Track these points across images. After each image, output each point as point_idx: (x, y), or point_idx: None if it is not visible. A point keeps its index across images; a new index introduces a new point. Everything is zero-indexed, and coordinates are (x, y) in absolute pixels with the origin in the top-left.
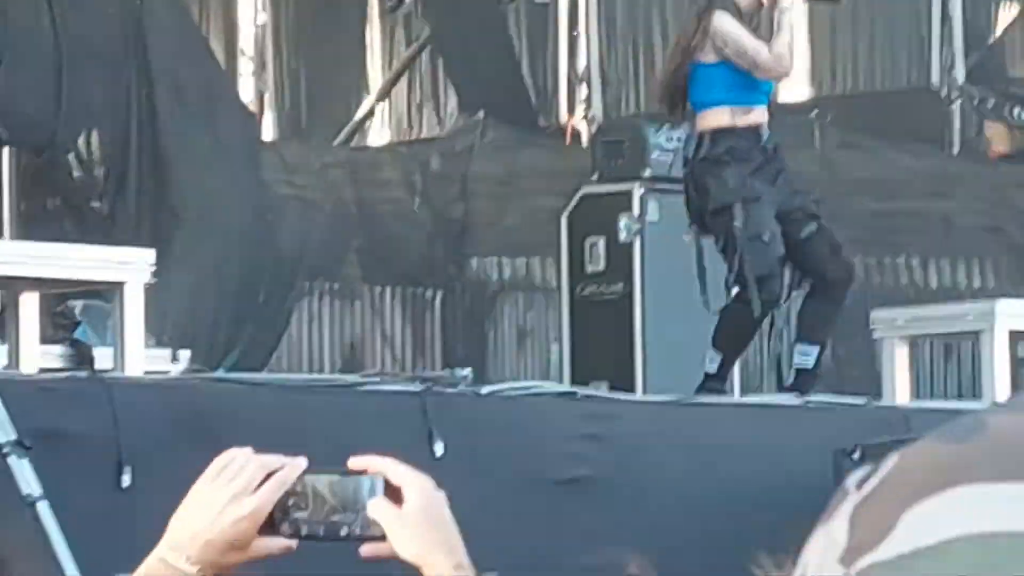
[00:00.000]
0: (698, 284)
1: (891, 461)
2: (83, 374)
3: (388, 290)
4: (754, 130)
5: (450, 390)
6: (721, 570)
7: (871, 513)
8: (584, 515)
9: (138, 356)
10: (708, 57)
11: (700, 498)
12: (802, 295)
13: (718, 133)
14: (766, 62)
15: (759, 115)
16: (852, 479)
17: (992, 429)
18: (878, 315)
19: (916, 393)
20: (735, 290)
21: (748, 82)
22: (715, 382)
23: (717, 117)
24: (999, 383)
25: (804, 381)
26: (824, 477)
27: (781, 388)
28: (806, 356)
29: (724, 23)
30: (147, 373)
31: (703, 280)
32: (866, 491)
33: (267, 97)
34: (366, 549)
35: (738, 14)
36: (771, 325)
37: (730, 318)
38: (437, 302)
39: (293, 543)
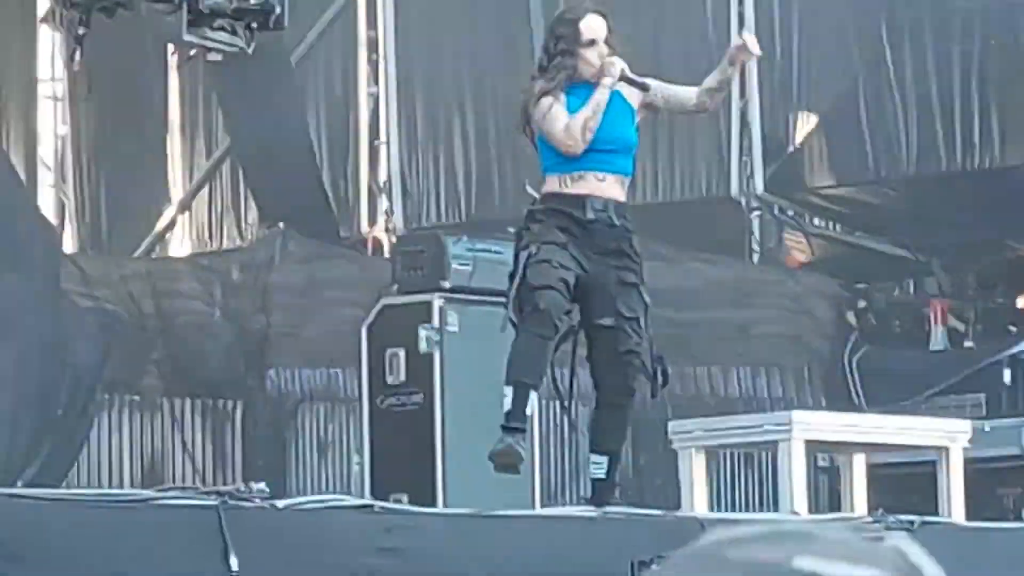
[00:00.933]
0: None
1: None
2: None
3: (188, 402)
4: (581, 199)
5: (246, 504)
6: None
7: None
8: None
9: None
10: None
11: None
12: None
13: (548, 196)
14: (557, 136)
15: (593, 186)
16: None
17: (731, 561)
18: (675, 426)
19: (716, 503)
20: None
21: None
22: (606, 490)
23: (550, 183)
24: (796, 493)
25: (600, 491)
26: None
27: (583, 499)
28: (598, 466)
29: (538, 91)
30: None
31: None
32: None
33: (67, 208)
34: None
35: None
36: (572, 429)
37: (518, 346)
38: (238, 414)
39: None
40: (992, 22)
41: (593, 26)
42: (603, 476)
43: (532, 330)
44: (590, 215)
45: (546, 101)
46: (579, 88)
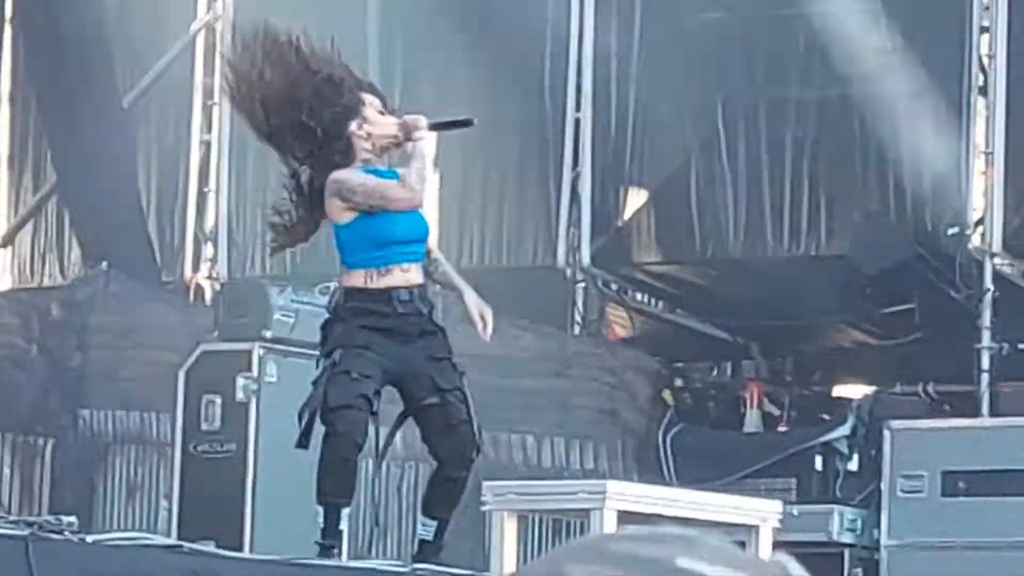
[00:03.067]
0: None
1: None
2: None
3: None
4: (388, 293)
5: (55, 536)
6: None
7: None
8: None
9: None
10: (340, 218)
11: None
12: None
13: (352, 291)
14: (396, 193)
15: (399, 277)
16: None
17: None
18: (489, 486)
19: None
20: (325, 429)
21: (387, 238)
22: (432, 551)
23: (354, 278)
24: None
25: (425, 551)
26: None
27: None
28: (425, 528)
29: (341, 175)
30: None
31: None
32: None
33: None
34: None
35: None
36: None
37: (324, 467)
38: (48, 451)
39: None
40: (827, 112)
41: (370, 97)
42: (431, 538)
43: (335, 452)
44: (400, 309)
45: (352, 173)
46: (374, 172)
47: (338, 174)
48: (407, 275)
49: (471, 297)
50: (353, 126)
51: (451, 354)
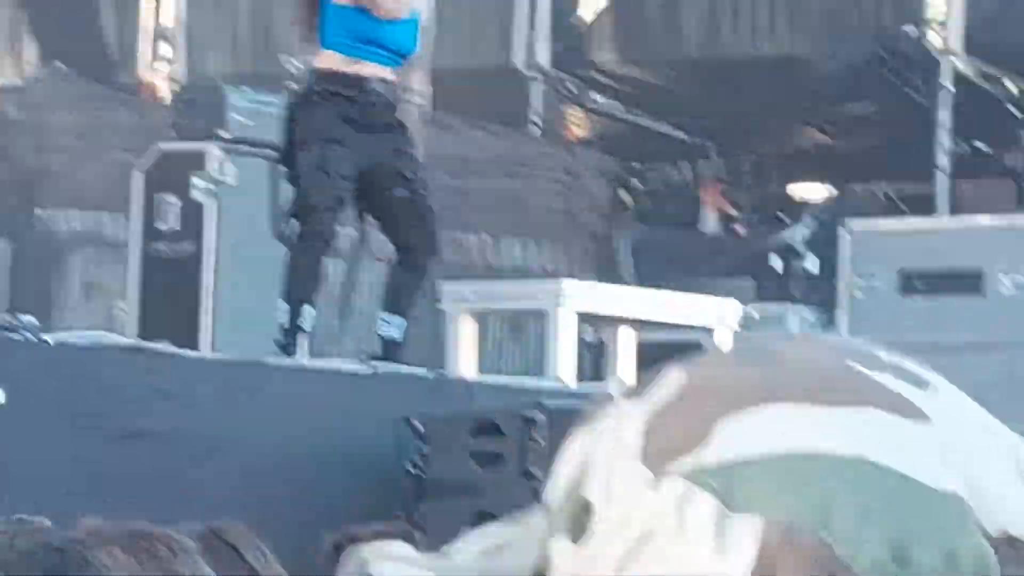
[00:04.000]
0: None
1: (673, 380)
2: None
3: None
4: (359, 81)
5: (13, 336)
6: (281, 529)
7: (675, 422)
8: (146, 468)
9: None
10: None
11: (264, 457)
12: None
13: (324, 74)
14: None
15: (371, 69)
16: (617, 393)
17: (786, 357)
18: (447, 288)
19: (480, 368)
20: (293, 225)
21: (369, 36)
22: (396, 349)
23: (328, 59)
24: (563, 362)
25: (386, 351)
26: (385, 445)
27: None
28: (387, 325)
29: None
30: None
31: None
32: (657, 404)
33: None
34: None
35: None
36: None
37: (293, 263)
38: (7, 252)
39: None
40: None
41: None
42: (394, 336)
43: (307, 248)
44: (371, 98)
45: None
46: None
47: None
48: (378, 71)
49: None
50: None
51: (414, 148)
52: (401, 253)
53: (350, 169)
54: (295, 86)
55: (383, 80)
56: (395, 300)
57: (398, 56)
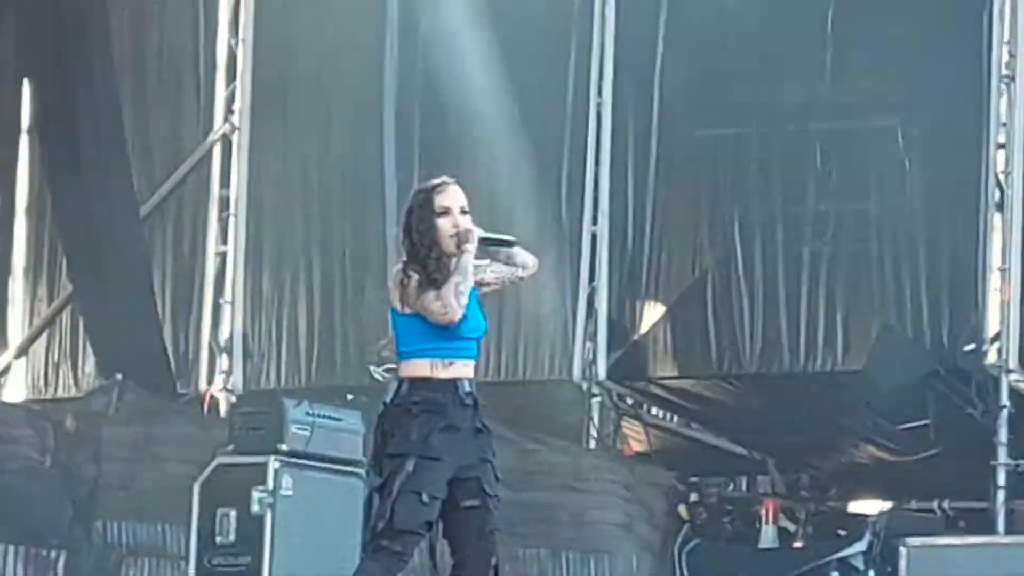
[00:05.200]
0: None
1: None
2: None
3: (11, 548)
4: (452, 382)
5: None
6: None
7: None
8: None
9: None
10: (403, 308)
11: None
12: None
13: (415, 382)
14: (431, 306)
15: (461, 368)
16: None
17: None
18: None
19: None
20: (380, 542)
21: (448, 333)
22: None
23: (415, 367)
24: None
25: None
26: None
27: None
28: None
29: (399, 271)
30: None
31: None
32: None
33: None
34: None
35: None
36: None
37: (365, 571)
38: (61, 563)
39: None
40: (843, 227)
41: (447, 195)
42: None
43: (383, 565)
44: (465, 401)
45: (416, 285)
46: None
47: (414, 279)
48: (467, 369)
49: None
50: None
51: (495, 456)
52: (459, 566)
53: (442, 488)
54: (351, 397)
55: (472, 382)
56: None
57: (477, 343)
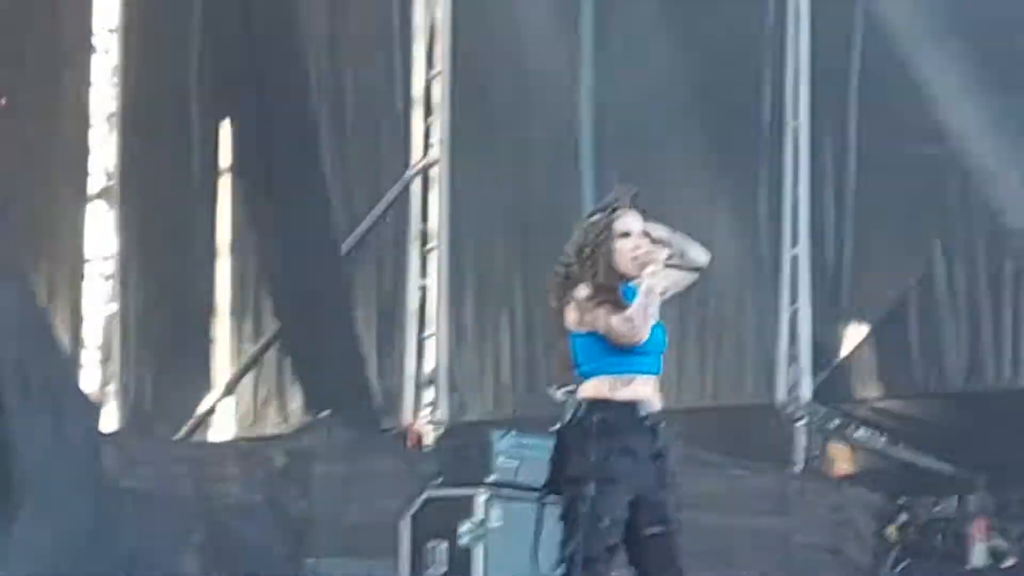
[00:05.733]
0: (531, 550)
1: None
2: None
3: None
4: (631, 404)
5: None
6: None
7: None
8: None
9: None
10: (578, 327)
11: None
12: None
13: (594, 403)
14: (618, 328)
15: (640, 387)
16: None
17: None
18: None
19: None
20: (560, 569)
21: (627, 348)
22: None
23: (594, 387)
24: None
25: None
26: None
27: None
28: None
29: (579, 293)
30: None
31: (536, 546)
32: None
33: (111, 387)
34: None
35: (609, 281)
36: None
37: None
38: None
39: None
40: None
41: (627, 219)
42: None
43: None
44: (646, 423)
45: (594, 306)
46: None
47: (578, 292)
48: (646, 388)
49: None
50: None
51: (675, 479)
52: None
53: (622, 511)
54: (567, 417)
55: (653, 403)
56: None
57: (659, 356)
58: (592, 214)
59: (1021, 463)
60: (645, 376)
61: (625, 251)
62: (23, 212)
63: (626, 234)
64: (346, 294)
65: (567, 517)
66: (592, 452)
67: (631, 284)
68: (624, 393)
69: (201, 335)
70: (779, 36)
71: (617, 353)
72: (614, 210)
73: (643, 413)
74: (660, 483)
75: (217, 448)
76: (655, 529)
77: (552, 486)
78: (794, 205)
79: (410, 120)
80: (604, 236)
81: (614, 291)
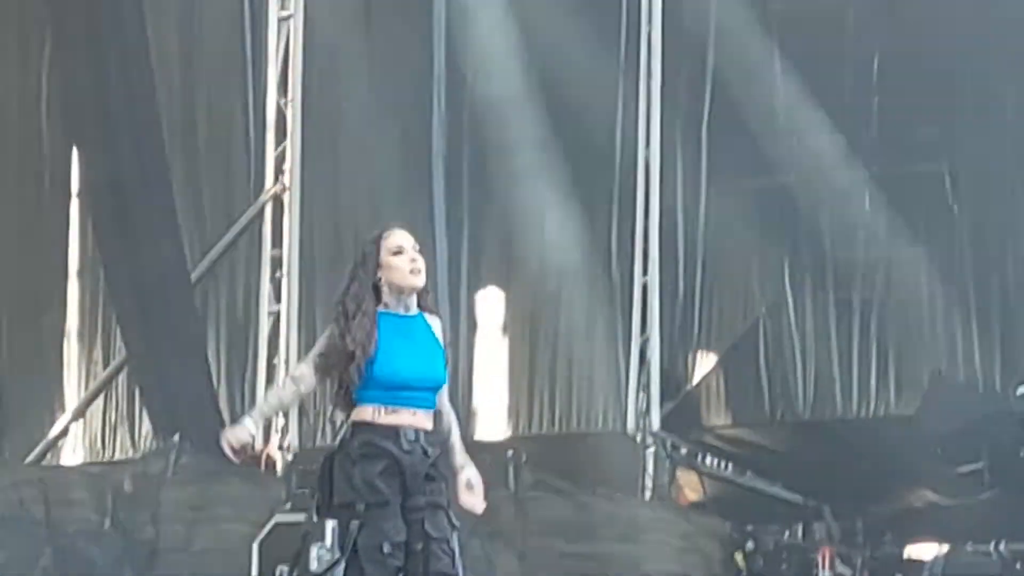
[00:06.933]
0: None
1: None
2: None
3: None
4: (395, 430)
5: None
6: None
7: None
8: None
9: None
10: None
11: None
12: None
13: (359, 425)
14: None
15: (406, 417)
16: None
17: None
18: None
19: None
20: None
21: (392, 385)
22: None
23: (360, 412)
24: None
25: None
26: None
27: None
28: None
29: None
30: None
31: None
32: None
33: None
34: None
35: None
36: None
37: None
38: None
39: None
40: (892, 273)
41: (397, 237)
42: None
43: None
44: (406, 447)
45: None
46: (390, 316)
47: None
48: (414, 419)
49: (469, 471)
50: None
51: (450, 505)
52: None
53: (400, 533)
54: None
55: (421, 429)
56: None
57: (431, 393)
58: (366, 241)
59: (865, 491)
60: (411, 410)
61: (403, 266)
62: None
63: (399, 250)
64: (197, 319)
65: (343, 546)
66: (356, 475)
67: (395, 311)
68: (387, 419)
69: (52, 359)
70: (634, 65)
71: (385, 388)
72: (382, 233)
73: (409, 437)
74: (428, 503)
75: (66, 472)
76: (415, 545)
77: (321, 512)
78: (645, 234)
79: (263, 146)
80: (373, 252)
81: (349, 317)
